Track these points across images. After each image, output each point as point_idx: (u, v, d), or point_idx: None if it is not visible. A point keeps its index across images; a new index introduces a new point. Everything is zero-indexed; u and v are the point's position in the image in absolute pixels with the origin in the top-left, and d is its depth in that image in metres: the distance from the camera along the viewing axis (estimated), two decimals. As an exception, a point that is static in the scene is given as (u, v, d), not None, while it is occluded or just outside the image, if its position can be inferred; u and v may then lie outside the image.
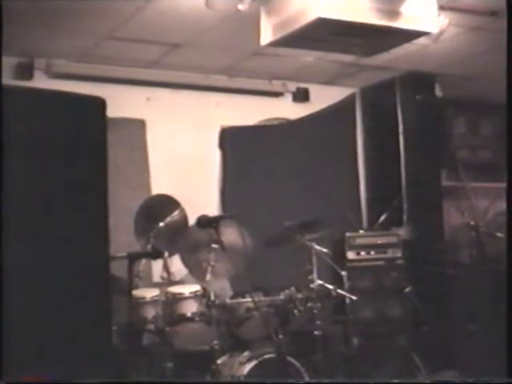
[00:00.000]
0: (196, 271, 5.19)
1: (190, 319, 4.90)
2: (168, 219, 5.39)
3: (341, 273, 5.29)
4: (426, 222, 6.02)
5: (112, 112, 3.83)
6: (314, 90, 7.45)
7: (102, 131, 3.76)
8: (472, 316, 5.92)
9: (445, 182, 6.53)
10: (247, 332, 4.95)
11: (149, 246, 5.18)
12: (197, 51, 6.22)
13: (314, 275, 5.10)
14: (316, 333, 5.02)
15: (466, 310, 5.94)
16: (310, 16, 4.17)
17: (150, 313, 4.86)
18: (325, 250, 5.20)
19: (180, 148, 6.79)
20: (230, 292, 5.45)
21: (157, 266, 5.39)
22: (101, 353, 3.62)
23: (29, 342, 3.34)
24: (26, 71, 6.20)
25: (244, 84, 7.13)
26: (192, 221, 5.25)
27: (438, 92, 6.51)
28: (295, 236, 5.18)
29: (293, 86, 7.41)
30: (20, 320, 3.32)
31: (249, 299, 4.89)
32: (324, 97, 7.02)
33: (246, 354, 4.72)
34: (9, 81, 5.51)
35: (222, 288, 5.41)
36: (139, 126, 6.74)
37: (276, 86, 7.34)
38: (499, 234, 6.11)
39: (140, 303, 4.85)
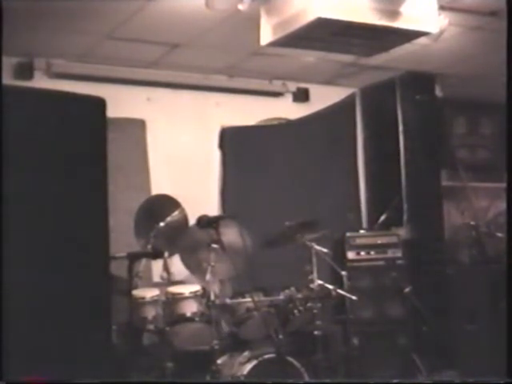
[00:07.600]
0: (196, 271, 5.19)
1: (190, 319, 4.90)
2: (168, 219, 5.39)
3: (341, 273, 5.28)
4: (426, 221, 6.00)
5: (112, 112, 3.83)
6: (314, 89, 7.44)
7: (102, 131, 3.77)
8: (472, 316, 5.92)
9: (445, 182, 6.51)
10: (247, 332, 4.96)
11: (149, 246, 5.18)
12: (197, 51, 6.22)
13: (314, 275, 5.10)
14: (316, 333, 5.01)
15: (466, 310, 5.94)
16: (310, 16, 4.18)
17: (150, 313, 4.86)
18: (325, 250, 5.19)
19: (180, 148, 6.79)
20: (230, 290, 5.43)
21: (157, 266, 5.39)
22: (101, 353, 3.62)
23: (29, 342, 3.35)
24: (26, 71, 6.20)
25: (244, 84, 7.13)
26: (192, 221, 5.25)
27: (438, 92, 6.50)
28: (295, 236, 5.18)
29: (293, 86, 7.41)
30: (20, 320, 3.32)
31: (249, 299, 4.89)
32: (324, 97, 7.00)
33: (246, 354, 4.72)
34: (9, 81, 5.51)
35: (222, 287, 5.40)
36: (139, 125, 6.73)
37: (276, 86, 7.34)
38: (499, 234, 6.11)
39: (140, 303, 4.85)
